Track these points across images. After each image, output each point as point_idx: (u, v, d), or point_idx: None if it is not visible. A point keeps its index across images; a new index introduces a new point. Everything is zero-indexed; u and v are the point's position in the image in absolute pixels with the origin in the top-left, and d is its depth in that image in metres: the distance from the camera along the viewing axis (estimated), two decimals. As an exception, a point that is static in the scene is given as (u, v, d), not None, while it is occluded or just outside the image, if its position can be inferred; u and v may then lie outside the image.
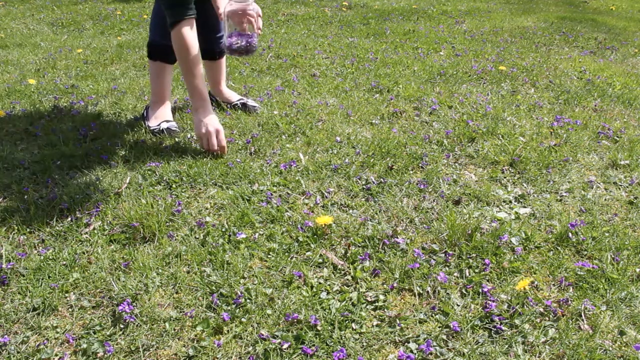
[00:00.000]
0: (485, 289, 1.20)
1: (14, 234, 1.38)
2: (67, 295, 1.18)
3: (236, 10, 1.76)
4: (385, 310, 1.15)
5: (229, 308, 1.14)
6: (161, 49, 1.99)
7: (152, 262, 1.27)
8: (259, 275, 1.24)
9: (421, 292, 1.20)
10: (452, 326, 1.09)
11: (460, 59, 3.19)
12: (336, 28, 4.17)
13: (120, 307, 1.11)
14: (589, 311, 1.14)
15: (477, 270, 1.27)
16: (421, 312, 1.14)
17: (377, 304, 1.16)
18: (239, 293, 1.17)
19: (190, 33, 1.76)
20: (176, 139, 1.93)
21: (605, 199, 1.61)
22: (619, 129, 2.10)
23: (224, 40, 1.81)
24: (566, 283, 1.23)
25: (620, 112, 2.33)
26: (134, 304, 1.15)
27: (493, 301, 1.16)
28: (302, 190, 1.61)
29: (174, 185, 1.62)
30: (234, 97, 2.28)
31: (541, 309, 1.15)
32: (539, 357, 1.04)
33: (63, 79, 2.68)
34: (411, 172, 1.74)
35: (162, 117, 2.03)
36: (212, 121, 1.79)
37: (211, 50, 2.16)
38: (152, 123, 2.01)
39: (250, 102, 2.24)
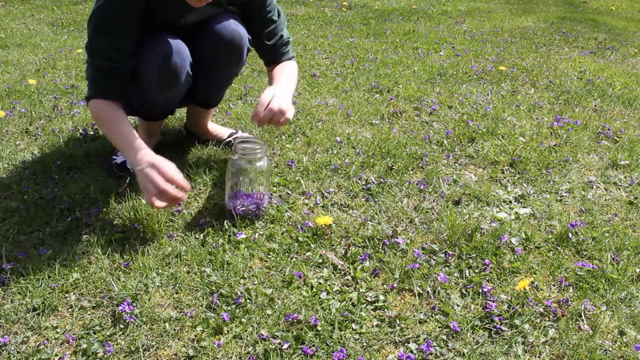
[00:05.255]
0: (485, 289, 1.20)
1: (14, 234, 1.38)
2: (67, 295, 1.18)
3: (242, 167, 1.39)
4: (385, 310, 1.15)
5: (229, 308, 1.14)
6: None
7: (152, 262, 1.27)
8: (259, 275, 1.24)
9: (421, 292, 1.20)
10: (452, 326, 1.09)
11: (460, 59, 3.19)
12: (336, 28, 4.17)
13: (120, 307, 1.11)
14: (589, 311, 1.14)
15: (477, 271, 1.27)
16: (421, 312, 1.14)
17: (377, 304, 1.16)
18: (239, 293, 1.17)
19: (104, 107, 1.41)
20: (178, 131, 1.93)
21: (605, 199, 1.61)
22: (619, 129, 2.10)
23: (226, 201, 1.45)
24: (566, 283, 1.23)
25: (620, 112, 2.34)
26: (134, 304, 1.15)
27: (493, 301, 1.16)
28: (302, 190, 1.61)
29: (174, 186, 1.62)
30: (224, 132, 1.90)
31: (541, 309, 1.15)
32: (539, 357, 1.04)
33: (63, 79, 2.68)
34: (411, 172, 1.74)
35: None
36: (155, 161, 1.26)
37: (206, 102, 1.78)
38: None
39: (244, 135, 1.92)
